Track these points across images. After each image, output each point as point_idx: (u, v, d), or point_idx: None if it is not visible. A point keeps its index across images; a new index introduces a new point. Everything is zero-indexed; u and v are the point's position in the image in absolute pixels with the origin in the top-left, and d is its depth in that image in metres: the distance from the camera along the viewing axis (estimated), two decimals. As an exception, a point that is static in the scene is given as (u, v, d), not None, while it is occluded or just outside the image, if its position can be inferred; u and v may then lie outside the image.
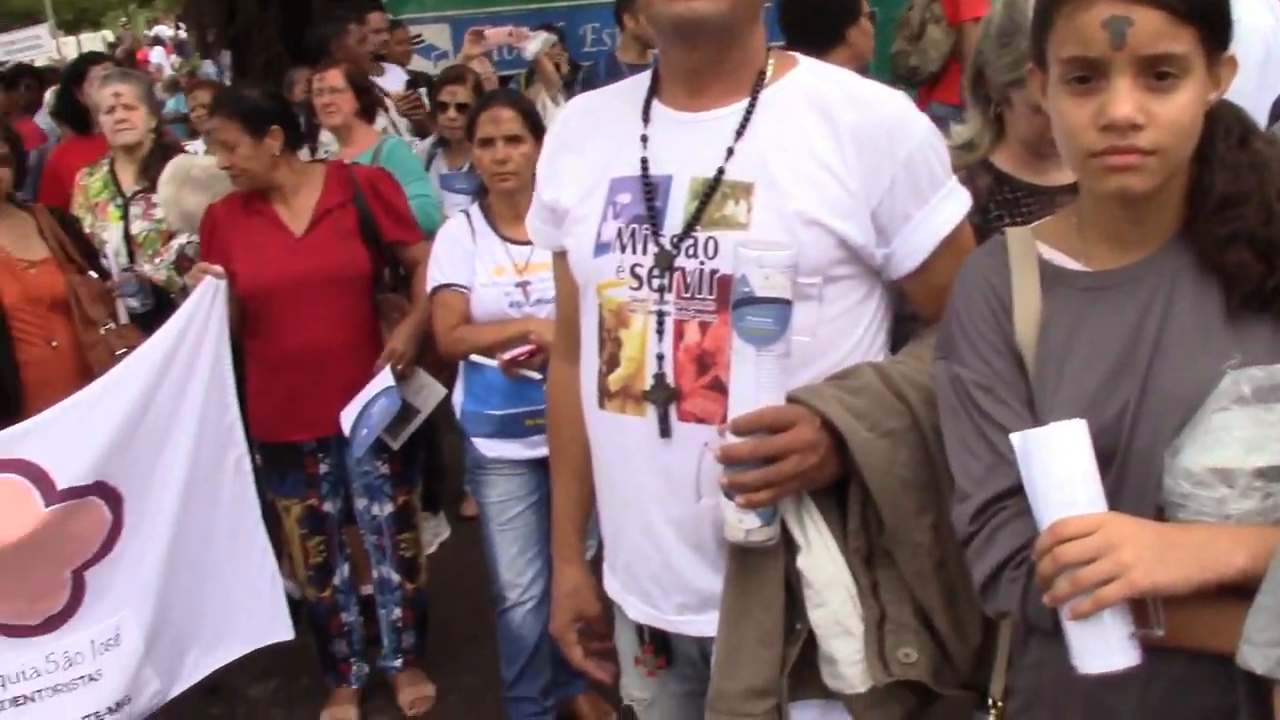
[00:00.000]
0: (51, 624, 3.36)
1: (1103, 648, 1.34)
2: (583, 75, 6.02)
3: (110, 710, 3.37)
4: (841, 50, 3.31)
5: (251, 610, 3.66)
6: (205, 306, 3.48)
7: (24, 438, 3.29)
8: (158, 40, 30.55)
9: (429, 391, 3.63)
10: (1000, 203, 2.32)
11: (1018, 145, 2.34)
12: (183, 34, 26.36)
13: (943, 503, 1.66)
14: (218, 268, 3.50)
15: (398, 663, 3.94)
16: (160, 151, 4.48)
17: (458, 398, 3.43)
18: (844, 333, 1.77)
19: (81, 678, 3.37)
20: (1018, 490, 1.43)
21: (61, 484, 3.24)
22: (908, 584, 1.72)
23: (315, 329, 3.60)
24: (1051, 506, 1.36)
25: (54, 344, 3.80)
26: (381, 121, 5.19)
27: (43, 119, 7.69)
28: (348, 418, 3.59)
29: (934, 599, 1.72)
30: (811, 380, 1.73)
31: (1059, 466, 1.36)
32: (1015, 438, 1.41)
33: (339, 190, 3.68)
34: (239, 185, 3.70)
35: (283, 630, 3.69)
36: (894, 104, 1.77)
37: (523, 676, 3.45)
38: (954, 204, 1.79)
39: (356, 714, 3.90)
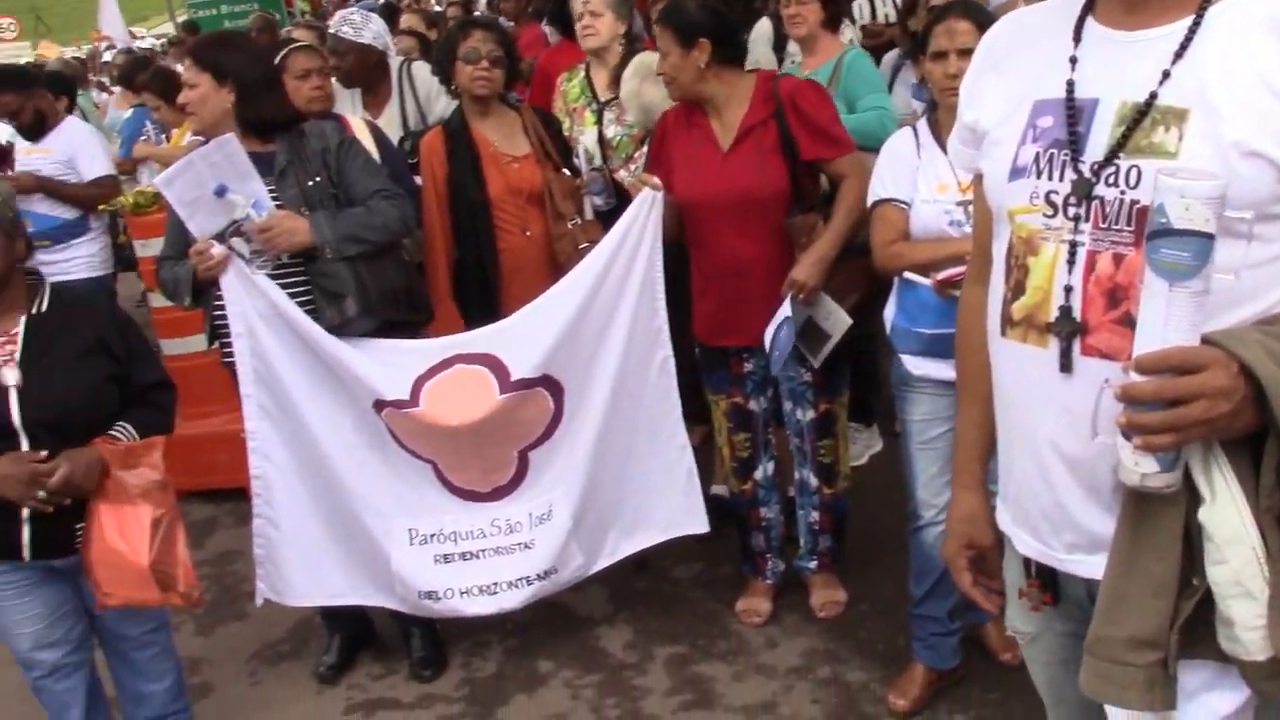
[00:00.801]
0: (499, 493, 3.79)
1: None
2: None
3: (539, 577, 3.75)
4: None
5: (668, 501, 3.92)
6: (642, 216, 3.72)
7: (492, 336, 3.73)
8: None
9: (836, 319, 3.62)
10: None
11: None
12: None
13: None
14: (655, 179, 3.71)
15: (812, 564, 4.05)
16: (630, 58, 4.65)
17: (889, 313, 3.42)
18: (1277, 278, 1.62)
19: (519, 544, 3.77)
20: None
21: (515, 376, 3.64)
22: (1324, 553, 1.57)
23: (738, 244, 3.71)
24: None
25: (528, 233, 4.16)
26: (848, 33, 5.18)
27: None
28: (767, 337, 3.69)
29: (1354, 573, 1.56)
30: (1235, 325, 1.60)
31: None
32: None
33: (763, 105, 3.69)
34: (670, 94, 3.84)
35: (698, 523, 3.93)
36: None
37: (930, 595, 3.45)
38: None
39: (769, 608, 4.05)
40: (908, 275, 3.29)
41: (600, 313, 3.75)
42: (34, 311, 3.15)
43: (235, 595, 4.62)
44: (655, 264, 3.78)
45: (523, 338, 3.70)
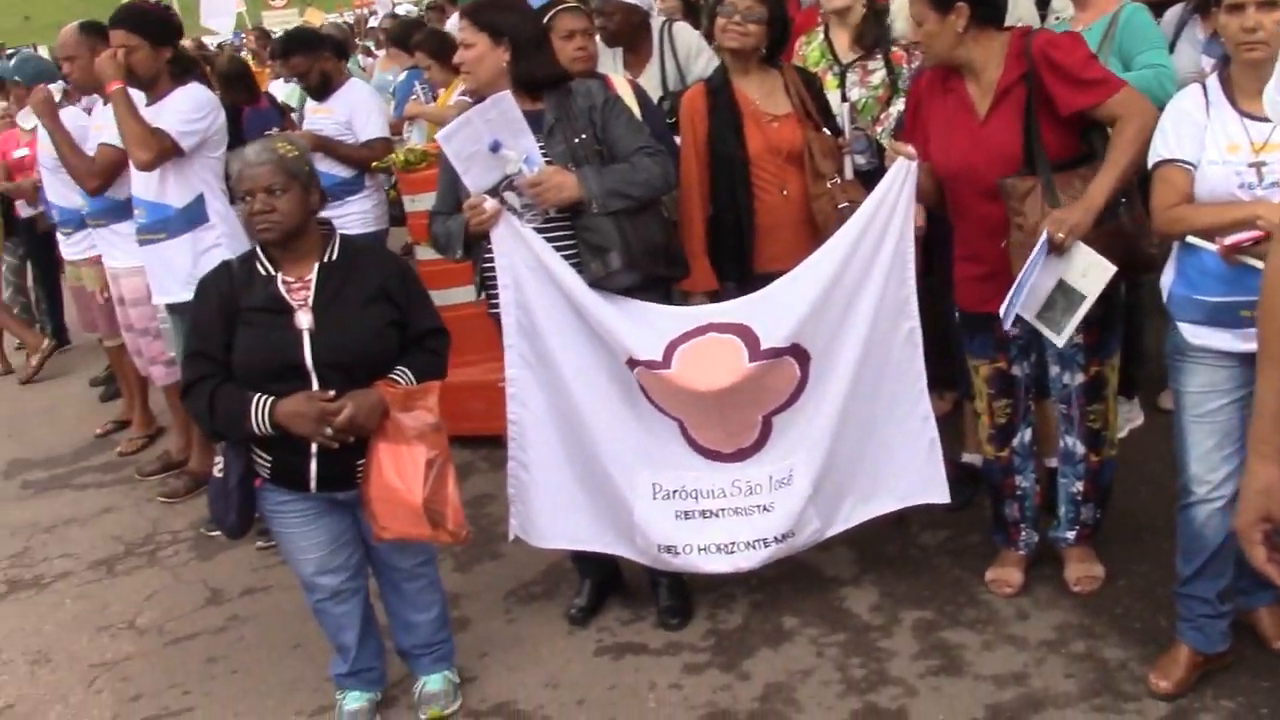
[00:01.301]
0: (741, 455, 3.84)
1: None
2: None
3: (776, 540, 3.79)
4: None
5: (909, 470, 3.89)
6: (897, 186, 3.67)
7: (745, 307, 3.78)
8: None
9: (1096, 272, 3.39)
10: None
11: None
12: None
13: None
14: (909, 149, 3.64)
15: (1070, 535, 3.93)
16: (874, 17, 4.52)
17: (1166, 280, 3.27)
18: None
19: (757, 506, 3.81)
20: None
21: (765, 345, 3.69)
22: None
23: (995, 211, 3.58)
24: None
25: (785, 192, 4.15)
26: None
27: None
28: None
29: None
30: None
31: None
32: None
33: (1015, 66, 3.53)
34: (925, 60, 3.75)
35: (938, 493, 3.88)
36: None
37: (1200, 575, 3.30)
38: None
39: (1021, 579, 3.95)
40: (1190, 240, 3.14)
41: (850, 282, 3.73)
42: (325, 259, 3.37)
43: (490, 536, 4.81)
44: (907, 234, 3.73)
45: (776, 308, 3.73)
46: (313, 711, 3.86)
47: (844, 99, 4.53)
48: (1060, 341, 3.56)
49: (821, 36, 4.72)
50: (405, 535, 3.38)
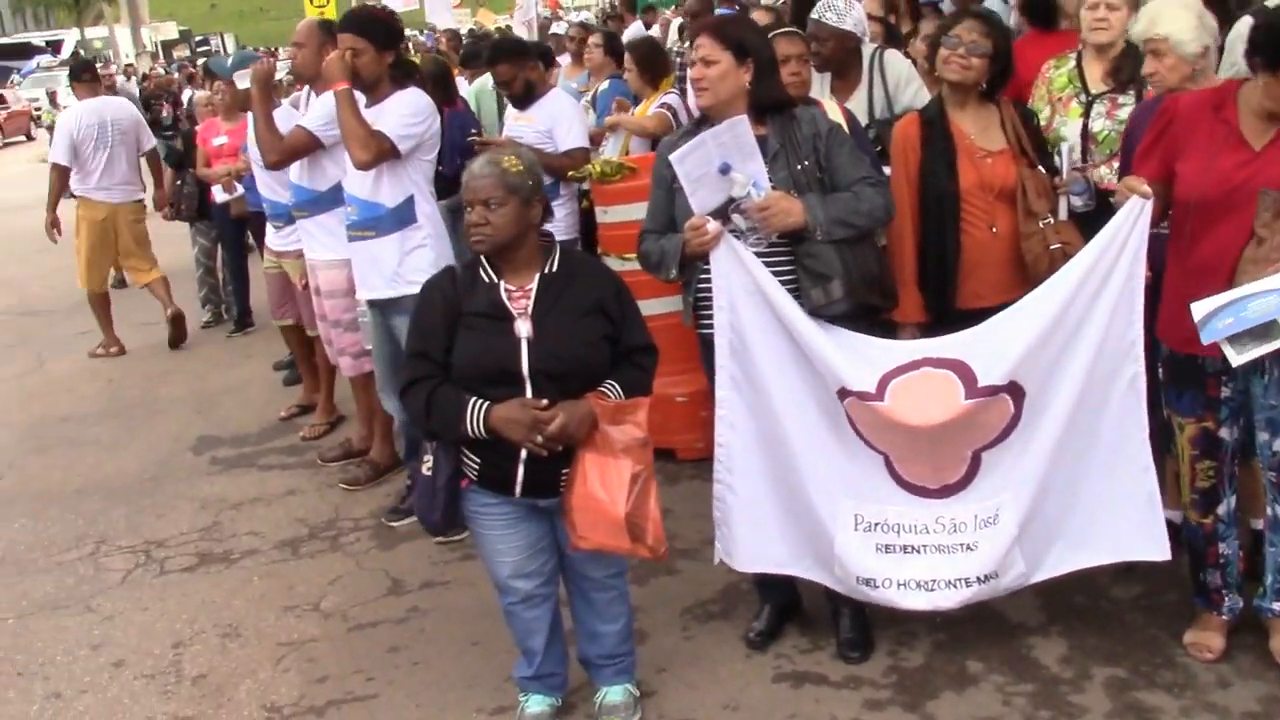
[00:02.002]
0: (946, 491, 3.78)
1: None
2: None
3: (980, 580, 3.74)
4: None
5: (1123, 521, 3.78)
6: (1129, 224, 3.56)
7: (961, 343, 3.72)
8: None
9: None
10: None
11: None
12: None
13: None
14: (1145, 187, 3.53)
15: (1277, 606, 3.78)
16: (1135, 52, 4.43)
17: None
18: None
19: (961, 544, 3.75)
20: None
21: (982, 382, 3.63)
22: None
23: (1237, 240, 3.45)
24: None
25: (994, 229, 4.11)
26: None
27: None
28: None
29: None
30: None
31: None
32: None
33: None
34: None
35: (1158, 550, 3.77)
36: None
37: None
38: None
39: (1223, 645, 3.81)
40: None
41: (1073, 320, 3.65)
42: (546, 271, 3.44)
43: (668, 551, 4.83)
44: (1137, 274, 3.62)
45: (994, 345, 3.67)
46: (493, 710, 3.93)
47: (1085, 130, 4.46)
48: (1235, 361, 3.41)
49: (1073, 63, 4.64)
50: (604, 546, 3.42)
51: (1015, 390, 3.67)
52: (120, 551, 5.54)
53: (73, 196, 8.99)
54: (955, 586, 3.75)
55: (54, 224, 8.88)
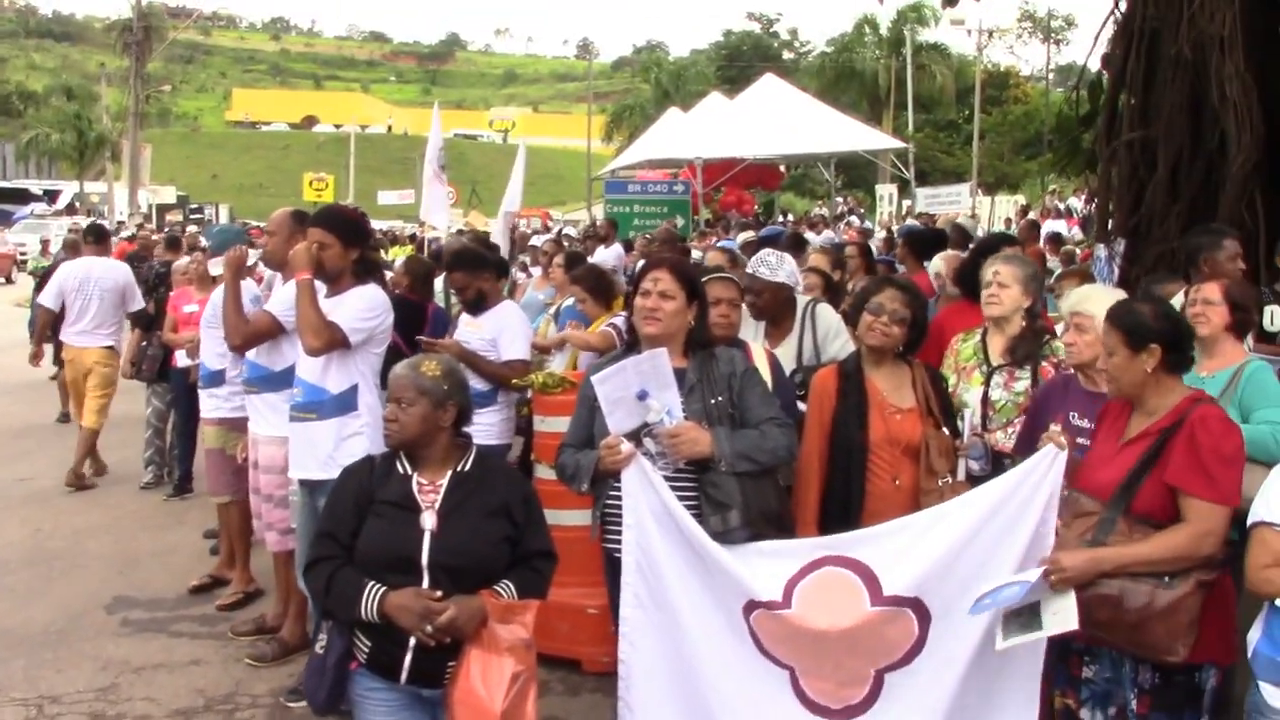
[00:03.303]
0: (848, 712, 3.83)
1: None
2: None
3: None
4: None
5: None
6: (1042, 469, 3.72)
7: (862, 542, 3.85)
8: (1069, 211, 31.67)
9: (1061, 618, 3.46)
10: None
11: None
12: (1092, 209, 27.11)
13: None
14: (1061, 439, 3.72)
15: None
16: (1031, 334, 4.77)
17: (1252, 637, 3.32)
18: None
19: None
20: None
21: (887, 591, 3.74)
22: None
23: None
24: None
25: (897, 482, 4.33)
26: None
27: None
28: (994, 587, 3.59)
29: None
30: None
31: None
32: None
33: (1171, 418, 3.62)
34: (1110, 390, 3.85)
35: None
36: None
37: None
38: None
39: None
40: (1279, 603, 3.21)
41: (981, 551, 3.74)
42: (459, 469, 3.63)
43: (556, 761, 4.86)
44: (1049, 521, 3.70)
45: (896, 551, 3.79)
46: None
47: (985, 398, 4.76)
48: (997, 646, 3.59)
49: (978, 337, 4.99)
50: (479, 743, 3.49)
51: (921, 611, 3.75)
52: (12, 703, 5.49)
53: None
54: None
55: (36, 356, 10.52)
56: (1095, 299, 4.30)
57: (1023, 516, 3.74)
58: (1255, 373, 4.50)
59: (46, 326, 10.50)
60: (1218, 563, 3.49)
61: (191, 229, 24.89)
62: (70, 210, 47.51)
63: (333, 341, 5.05)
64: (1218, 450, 3.52)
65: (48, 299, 10.04)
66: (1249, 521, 3.36)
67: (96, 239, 10.89)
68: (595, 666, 5.77)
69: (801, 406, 4.63)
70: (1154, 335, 3.63)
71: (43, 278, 12.59)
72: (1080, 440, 3.96)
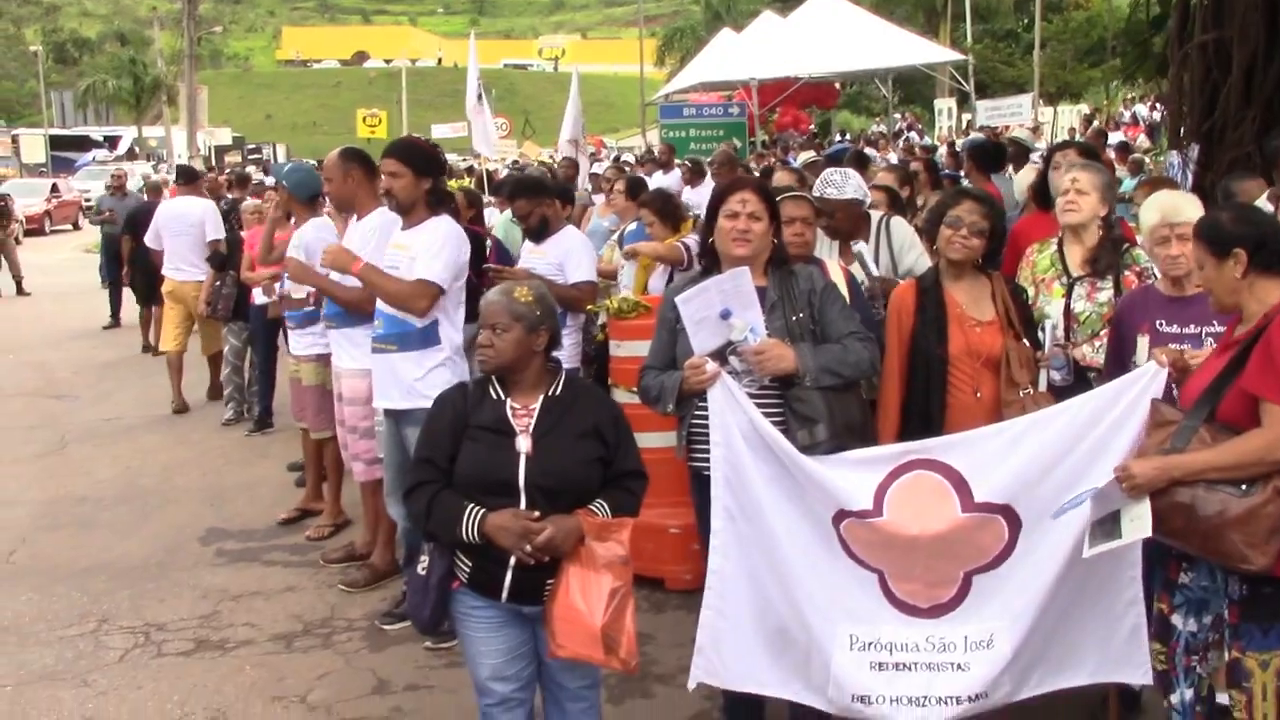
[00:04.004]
0: (936, 611, 3.90)
1: None
2: None
3: (970, 699, 3.84)
4: None
5: (1105, 648, 3.89)
6: (1141, 384, 3.72)
7: (952, 447, 3.88)
8: (1134, 119, 31.01)
9: (1138, 525, 3.44)
10: None
11: None
12: (1156, 116, 26.58)
13: None
14: (1164, 357, 3.71)
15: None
16: (1111, 244, 4.73)
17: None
18: None
19: (951, 664, 3.86)
20: None
21: (979, 498, 3.78)
22: None
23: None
24: None
25: (978, 395, 4.34)
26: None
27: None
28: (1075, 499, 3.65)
29: None
30: None
31: None
32: None
33: (1263, 322, 3.51)
34: (1212, 305, 3.72)
35: (1139, 675, 3.87)
36: None
37: None
38: None
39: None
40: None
41: (1078, 464, 3.75)
42: (550, 393, 3.71)
43: (644, 674, 4.98)
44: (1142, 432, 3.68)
45: (988, 458, 3.82)
46: (461, 811, 4.07)
47: (1067, 310, 4.72)
48: (1084, 553, 3.62)
49: (1054, 247, 4.89)
50: (579, 655, 3.60)
51: (1011, 516, 3.80)
52: (121, 631, 5.73)
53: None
54: (946, 704, 3.84)
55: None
56: (1190, 207, 4.23)
57: (1121, 430, 3.73)
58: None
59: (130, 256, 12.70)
60: None
61: (250, 169, 25.10)
62: (130, 155, 48.00)
63: (434, 297, 5.19)
64: None
65: (151, 239, 10.82)
66: None
67: (187, 180, 11.96)
68: (678, 584, 5.90)
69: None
70: (1236, 239, 3.53)
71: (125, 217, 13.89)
72: (1174, 346, 3.92)
